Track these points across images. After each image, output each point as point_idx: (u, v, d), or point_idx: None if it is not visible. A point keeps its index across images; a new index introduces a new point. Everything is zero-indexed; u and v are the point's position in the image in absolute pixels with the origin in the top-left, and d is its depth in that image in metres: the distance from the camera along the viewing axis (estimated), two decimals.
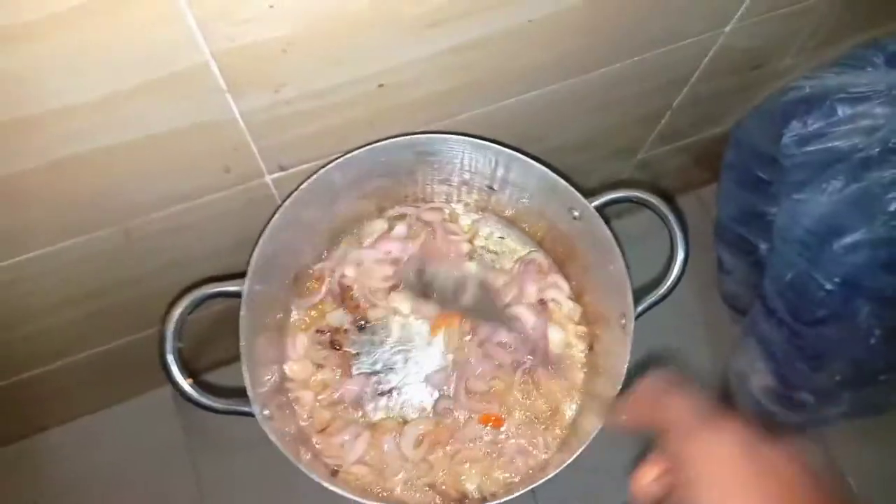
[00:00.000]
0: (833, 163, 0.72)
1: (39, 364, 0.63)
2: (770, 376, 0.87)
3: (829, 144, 0.71)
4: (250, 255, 0.46)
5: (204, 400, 0.45)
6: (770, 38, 0.61)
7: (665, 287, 0.48)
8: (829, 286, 0.72)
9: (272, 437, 0.42)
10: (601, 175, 0.78)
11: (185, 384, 0.44)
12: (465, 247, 0.55)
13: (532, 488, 0.43)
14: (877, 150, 0.70)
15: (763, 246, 0.84)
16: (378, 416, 0.51)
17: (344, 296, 0.53)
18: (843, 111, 0.70)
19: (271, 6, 0.33)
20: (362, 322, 0.53)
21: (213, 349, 0.71)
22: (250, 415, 0.43)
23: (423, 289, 0.52)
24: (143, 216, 0.47)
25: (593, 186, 0.49)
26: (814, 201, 0.72)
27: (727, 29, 0.55)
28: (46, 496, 0.82)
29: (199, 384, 0.45)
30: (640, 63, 0.55)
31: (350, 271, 0.53)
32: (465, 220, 0.55)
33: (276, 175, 0.49)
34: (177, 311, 0.45)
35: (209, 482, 0.82)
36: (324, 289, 0.53)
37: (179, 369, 0.44)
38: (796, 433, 0.92)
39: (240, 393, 0.44)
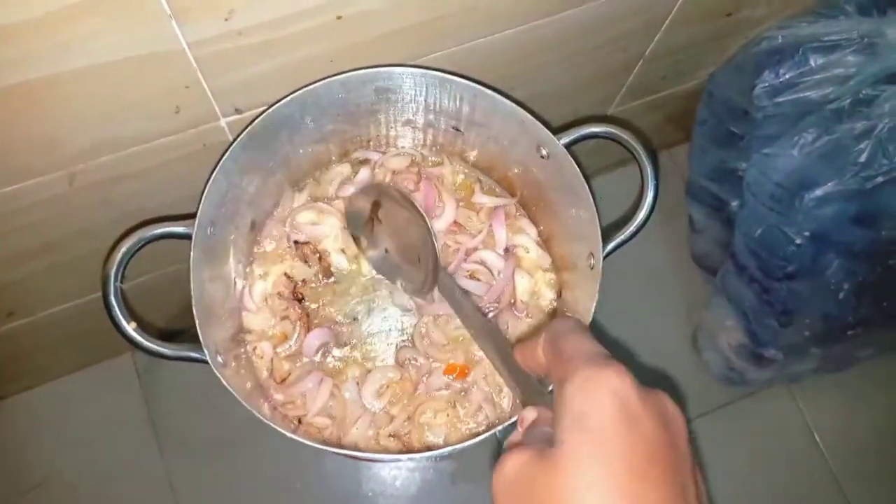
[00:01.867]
0: (804, 115, 0.71)
1: (30, 312, 0.61)
2: (740, 333, 0.87)
3: (801, 95, 0.70)
4: (201, 196, 0.44)
5: (150, 345, 0.42)
6: None
7: (634, 225, 0.47)
8: (798, 240, 0.72)
9: (226, 384, 0.40)
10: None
11: (129, 328, 0.42)
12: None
13: (500, 436, 0.42)
14: (848, 100, 0.69)
15: (734, 203, 0.84)
16: (340, 366, 0.49)
17: (304, 249, 0.52)
18: (815, 60, 0.69)
19: None
20: (323, 274, 0.52)
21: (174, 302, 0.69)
22: (203, 361, 0.41)
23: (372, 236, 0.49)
24: (89, 160, 0.45)
25: (559, 125, 0.47)
26: (785, 155, 0.71)
27: None
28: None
29: (143, 328, 0.43)
30: (611, 3, 0.53)
31: (305, 224, 0.51)
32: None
33: (230, 118, 0.47)
34: (120, 251, 0.42)
35: (171, 447, 0.82)
36: (283, 239, 0.51)
37: (122, 312, 0.42)
38: (765, 388, 0.93)
39: (192, 337, 0.42)
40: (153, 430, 0.82)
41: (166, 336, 0.48)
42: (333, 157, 0.54)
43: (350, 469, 0.84)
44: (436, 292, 0.46)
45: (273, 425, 0.40)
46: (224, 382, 0.40)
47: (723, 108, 0.78)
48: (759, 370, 0.87)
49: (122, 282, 0.42)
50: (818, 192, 0.69)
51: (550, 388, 0.31)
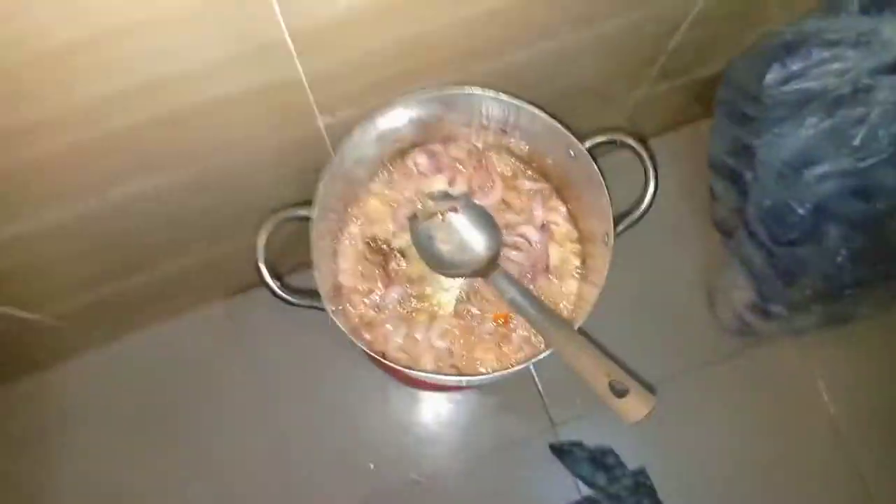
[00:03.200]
0: (808, 101, 0.80)
1: (146, 268, 0.76)
2: (750, 291, 0.97)
3: (806, 85, 0.79)
4: (315, 188, 0.57)
5: (289, 297, 0.57)
6: None
7: (639, 212, 0.60)
8: (802, 211, 0.81)
9: (342, 327, 0.55)
10: (604, 110, 0.88)
11: (275, 286, 0.57)
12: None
13: (533, 368, 0.56)
14: (847, 89, 0.78)
15: (748, 175, 0.93)
16: (413, 314, 0.63)
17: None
18: (818, 54, 0.78)
19: None
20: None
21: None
22: (322, 310, 0.56)
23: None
24: (225, 156, 0.59)
25: (586, 130, 0.59)
26: (791, 135, 0.80)
27: None
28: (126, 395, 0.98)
29: (283, 286, 0.58)
30: (633, 16, 0.63)
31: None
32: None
33: (328, 121, 0.60)
34: (265, 229, 0.57)
35: (259, 372, 0.97)
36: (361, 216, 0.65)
37: (270, 275, 0.57)
38: (772, 340, 1.04)
39: (309, 294, 0.57)
40: (246, 368, 0.98)
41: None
42: (406, 148, 0.67)
43: (410, 401, 0.99)
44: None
45: (369, 352, 0.54)
46: (341, 327, 0.54)
47: (738, 93, 0.87)
48: (766, 323, 0.98)
49: (268, 250, 0.56)
50: (819, 169, 0.79)
51: None
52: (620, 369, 0.50)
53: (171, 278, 0.81)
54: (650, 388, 0.52)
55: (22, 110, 0.43)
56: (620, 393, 0.49)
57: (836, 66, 0.77)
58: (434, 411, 0.99)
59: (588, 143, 0.59)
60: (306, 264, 0.57)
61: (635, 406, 0.49)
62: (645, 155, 0.59)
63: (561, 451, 0.98)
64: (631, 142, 0.60)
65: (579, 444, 0.99)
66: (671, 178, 1.09)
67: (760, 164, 0.84)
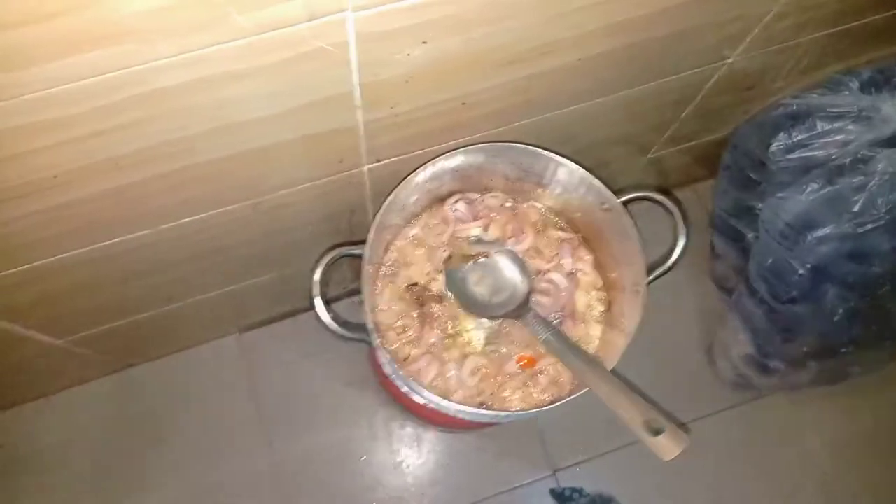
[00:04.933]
0: (811, 168, 0.85)
1: (184, 298, 0.78)
2: (749, 346, 1.01)
3: (809, 154, 0.85)
4: (366, 231, 0.61)
5: (340, 330, 0.60)
6: (765, 66, 0.74)
7: (670, 262, 0.64)
8: (801, 271, 0.85)
9: (384, 359, 0.57)
10: (619, 166, 0.93)
11: (328, 319, 0.59)
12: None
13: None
14: (848, 159, 0.83)
15: (750, 235, 0.97)
16: (446, 353, 0.66)
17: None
18: (822, 126, 0.84)
19: (408, 54, 0.47)
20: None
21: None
22: (370, 343, 0.58)
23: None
24: (272, 193, 0.62)
25: (619, 187, 0.64)
26: (794, 200, 0.85)
27: (730, 60, 0.69)
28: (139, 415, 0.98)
29: (336, 319, 0.60)
30: (659, 85, 0.69)
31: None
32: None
33: (371, 165, 0.64)
34: (320, 266, 0.60)
35: (267, 404, 0.99)
36: (399, 258, 0.68)
37: (324, 307, 0.59)
38: (767, 395, 1.07)
39: (351, 326, 0.59)
40: (254, 400, 1.00)
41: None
42: (444, 195, 0.70)
43: (413, 442, 1.00)
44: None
45: (408, 383, 0.56)
46: (383, 359, 0.57)
47: (744, 158, 0.92)
48: (764, 378, 1.01)
49: (323, 286, 0.59)
50: (819, 232, 0.83)
51: None
52: (655, 409, 0.52)
53: (194, 310, 0.82)
54: (684, 429, 0.55)
55: (124, 146, 0.46)
56: (656, 431, 0.52)
57: (838, 137, 0.83)
58: (437, 453, 1.00)
59: (622, 198, 0.63)
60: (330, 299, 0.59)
61: (670, 444, 0.52)
62: (677, 212, 0.64)
63: (561, 497, 1.00)
64: (663, 200, 0.64)
65: (580, 491, 1.01)
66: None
67: (763, 224, 0.89)
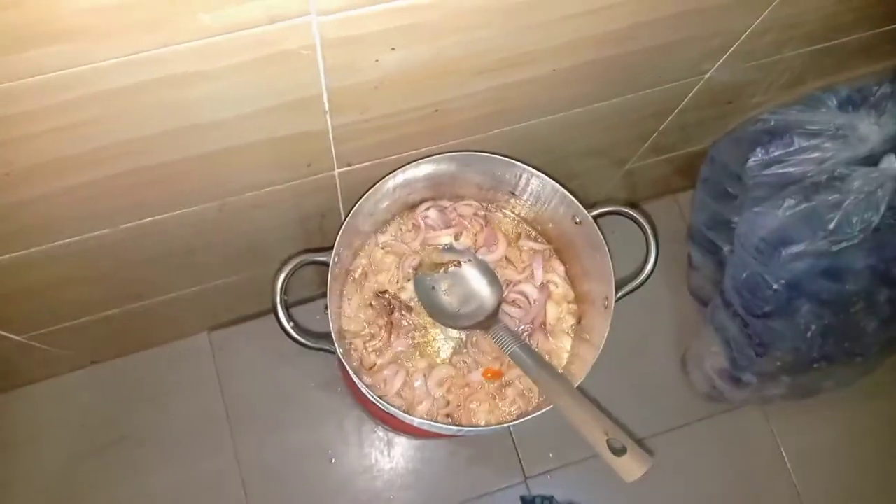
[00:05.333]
0: (788, 184, 0.85)
1: (151, 296, 0.77)
2: (723, 358, 1.01)
3: (786, 170, 0.85)
4: (336, 236, 0.59)
5: (301, 339, 0.59)
6: (744, 81, 0.74)
7: (639, 280, 0.63)
8: (776, 286, 0.85)
9: (349, 369, 0.56)
10: (599, 175, 0.92)
11: (289, 327, 0.58)
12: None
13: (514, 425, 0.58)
14: (824, 177, 0.83)
15: (726, 248, 0.97)
16: (412, 362, 0.65)
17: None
18: (799, 143, 0.84)
19: (377, 60, 0.46)
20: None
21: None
22: (332, 352, 0.57)
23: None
24: (238, 195, 0.61)
25: (599, 198, 0.63)
26: (770, 215, 0.85)
27: (707, 76, 0.69)
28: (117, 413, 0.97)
29: (297, 328, 0.59)
30: (636, 98, 0.68)
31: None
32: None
33: (343, 169, 0.62)
34: (282, 274, 0.58)
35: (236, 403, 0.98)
36: (368, 265, 0.67)
37: (286, 316, 0.58)
38: (740, 407, 1.07)
39: (320, 336, 0.58)
40: (223, 399, 0.98)
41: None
42: (417, 202, 0.69)
43: (384, 446, 0.99)
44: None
45: (370, 395, 0.55)
46: (349, 369, 0.56)
47: (721, 172, 0.92)
48: (737, 391, 1.02)
49: (286, 294, 0.58)
50: (794, 248, 0.83)
51: None
52: (619, 428, 0.52)
53: (161, 308, 0.81)
54: (647, 450, 0.55)
55: (79, 145, 0.45)
56: (618, 451, 0.51)
57: (815, 154, 0.83)
58: (408, 458, 0.99)
59: (594, 212, 0.62)
60: (295, 303, 0.58)
61: (632, 465, 0.51)
62: (648, 228, 0.63)
63: None
64: (635, 215, 0.63)
65: (550, 499, 1.00)
66: None
67: (739, 238, 0.89)
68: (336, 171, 0.63)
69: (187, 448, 0.96)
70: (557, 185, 0.62)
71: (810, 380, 1.00)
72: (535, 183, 0.64)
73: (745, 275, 0.90)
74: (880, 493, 1.04)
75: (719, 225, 0.98)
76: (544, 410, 0.57)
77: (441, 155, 0.61)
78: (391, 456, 0.99)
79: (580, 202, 0.63)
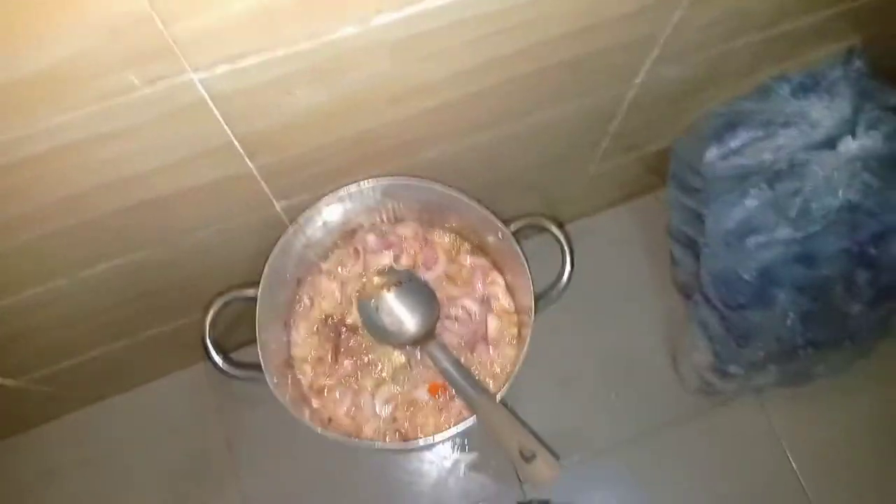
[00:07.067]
0: (749, 175, 0.85)
1: (103, 344, 0.80)
2: (708, 352, 1.01)
3: (742, 161, 0.84)
4: (262, 270, 0.62)
5: (232, 371, 0.62)
6: (695, 76, 0.74)
7: (555, 293, 0.65)
8: (748, 277, 0.85)
9: (280, 399, 0.59)
10: (564, 184, 0.93)
11: (219, 360, 0.62)
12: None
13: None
14: (783, 165, 0.83)
15: (701, 241, 0.98)
16: (359, 381, 0.67)
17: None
18: (754, 133, 0.83)
19: (278, 105, 0.49)
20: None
21: (239, 333, 0.88)
22: (264, 383, 0.60)
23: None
24: (191, 235, 0.64)
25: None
26: (736, 206, 0.85)
27: (638, 81, 0.69)
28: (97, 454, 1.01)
29: (227, 360, 0.62)
30: (571, 108, 0.69)
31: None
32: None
33: (283, 203, 0.65)
34: (211, 310, 0.62)
35: (236, 437, 1.01)
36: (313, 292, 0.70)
37: (216, 350, 0.62)
38: (734, 399, 1.06)
39: (258, 367, 0.61)
40: (223, 430, 1.01)
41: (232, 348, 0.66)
42: (352, 230, 0.72)
43: (379, 455, 1.02)
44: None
45: (310, 425, 0.58)
46: (279, 399, 0.59)
47: (685, 168, 0.92)
48: (726, 382, 1.01)
49: (213, 329, 0.61)
50: (761, 238, 0.83)
51: None
52: (531, 436, 0.53)
53: (146, 345, 0.85)
54: (555, 455, 0.56)
55: (12, 205, 0.49)
56: (528, 458, 0.53)
57: (770, 144, 0.83)
58: (403, 467, 1.01)
59: (513, 227, 0.64)
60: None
61: (541, 470, 0.53)
62: (562, 238, 0.65)
63: None
64: (548, 225, 0.65)
65: (546, 501, 1.01)
66: (636, 244, 1.14)
67: (708, 232, 0.89)
68: (279, 207, 0.65)
69: (191, 482, 0.98)
70: (476, 205, 0.64)
71: (799, 367, 0.99)
72: (459, 204, 0.66)
73: (718, 267, 0.90)
74: (882, 478, 1.02)
75: (693, 219, 0.98)
76: (472, 422, 0.59)
77: (365, 185, 0.63)
78: (387, 465, 1.01)
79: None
